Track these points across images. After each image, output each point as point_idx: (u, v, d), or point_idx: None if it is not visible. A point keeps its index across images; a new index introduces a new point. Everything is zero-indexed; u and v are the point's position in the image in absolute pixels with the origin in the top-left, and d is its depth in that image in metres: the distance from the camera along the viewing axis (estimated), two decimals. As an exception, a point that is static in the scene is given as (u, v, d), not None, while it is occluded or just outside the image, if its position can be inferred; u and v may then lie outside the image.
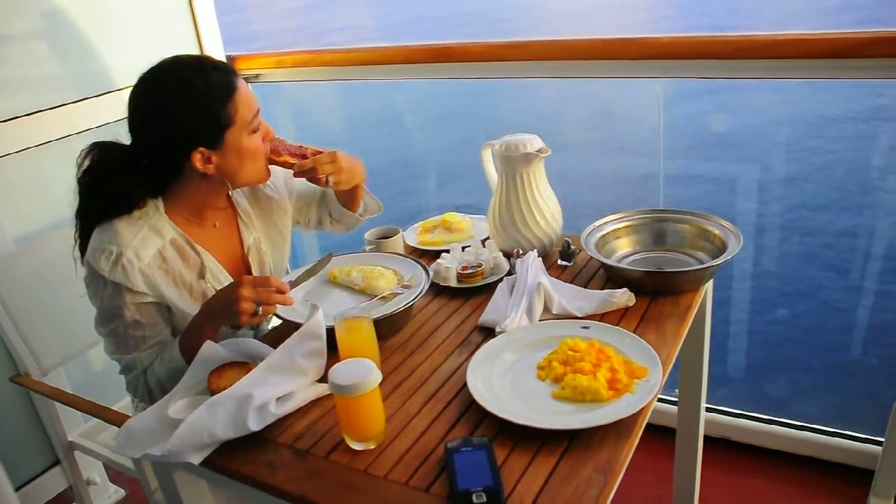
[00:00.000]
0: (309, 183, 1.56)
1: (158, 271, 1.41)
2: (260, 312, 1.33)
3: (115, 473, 2.41)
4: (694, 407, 1.82)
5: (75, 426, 2.01)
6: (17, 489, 2.32)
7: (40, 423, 2.32)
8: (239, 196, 1.60)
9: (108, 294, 1.39)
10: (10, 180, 2.12)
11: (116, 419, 1.67)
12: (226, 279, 1.52)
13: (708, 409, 2.18)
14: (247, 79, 2.78)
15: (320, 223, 1.82)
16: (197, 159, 1.37)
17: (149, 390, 1.45)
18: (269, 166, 1.50)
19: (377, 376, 1.09)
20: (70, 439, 1.96)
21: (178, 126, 1.36)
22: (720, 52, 1.93)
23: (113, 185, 1.40)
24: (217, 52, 2.70)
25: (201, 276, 1.49)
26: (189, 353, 1.37)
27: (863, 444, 2.09)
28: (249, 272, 1.60)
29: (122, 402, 1.94)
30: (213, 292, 1.45)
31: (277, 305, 1.39)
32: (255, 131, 1.42)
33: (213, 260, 1.51)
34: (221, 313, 1.36)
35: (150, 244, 1.40)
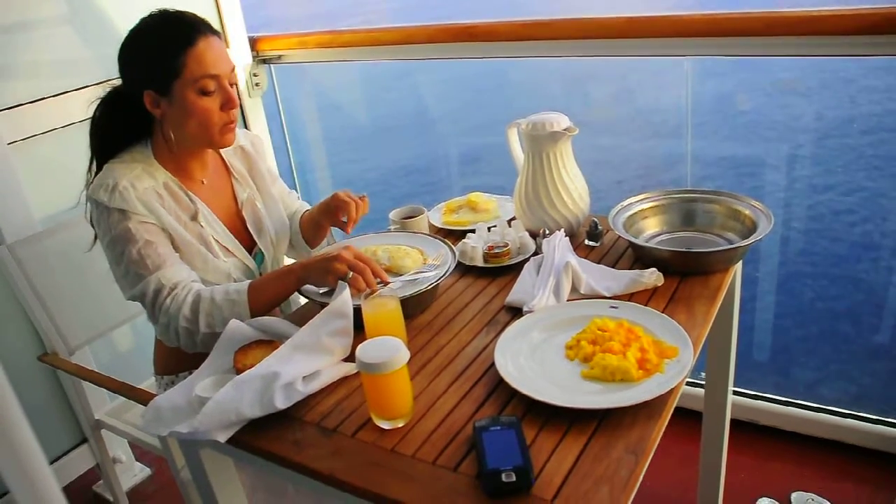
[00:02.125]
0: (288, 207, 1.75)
1: (156, 202, 1.47)
2: (349, 278, 1.35)
3: (140, 452, 2.44)
4: (721, 389, 1.80)
5: (102, 405, 2.03)
6: (46, 467, 2.35)
7: (67, 402, 2.34)
8: (233, 158, 1.67)
9: (114, 222, 1.44)
10: (37, 161, 2.13)
11: (143, 397, 1.68)
12: (221, 229, 1.58)
13: (735, 392, 2.16)
14: (268, 60, 2.78)
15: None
16: (147, 100, 1.44)
17: (194, 310, 1.41)
18: None
19: (405, 354, 1.08)
20: (97, 418, 1.97)
21: (133, 64, 1.45)
22: (750, 28, 1.89)
23: (107, 126, 1.52)
24: (240, 33, 2.70)
25: (194, 218, 1.53)
26: (256, 298, 1.40)
27: (893, 429, 2.05)
28: (245, 226, 1.64)
29: (149, 381, 1.95)
30: (209, 235, 1.54)
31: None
32: (205, 92, 1.42)
33: (205, 207, 1.56)
34: (315, 264, 1.40)
35: (144, 180, 1.47)
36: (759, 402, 2.23)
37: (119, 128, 1.53)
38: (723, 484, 1.93)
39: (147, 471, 2.44)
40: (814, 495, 1.94)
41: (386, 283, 1.39)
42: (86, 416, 1.98)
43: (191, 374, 1.66)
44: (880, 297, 2.39)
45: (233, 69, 1.47)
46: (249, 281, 1.44)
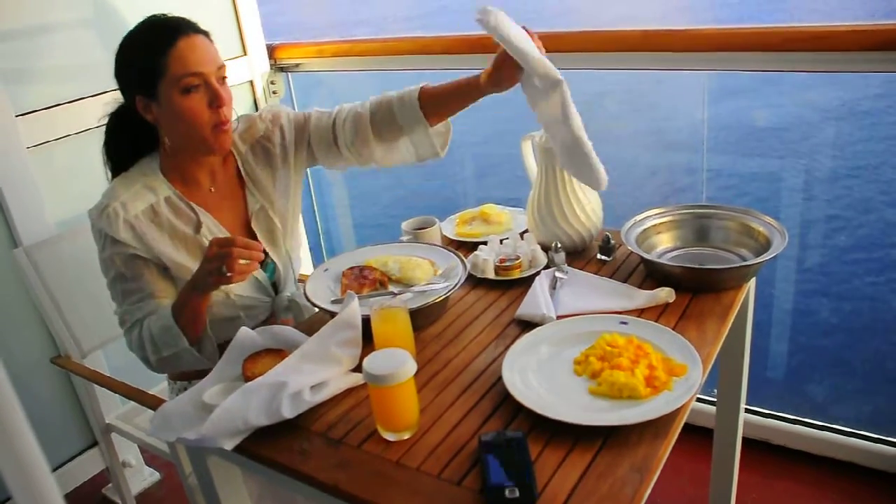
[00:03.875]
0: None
1: (149, 225, 1.47)
2: (226, 272, 1.29)
3: (150, 457, 2.45)
4: (733, 407, 1.78)
5: (113, 409, 2.04)
6: (55, 469, 2.37)
7: (79, 405, 2.36)
8: (249, 156, 1.64)
9: (102, 246, 1.48)
10: (53, 166, 2.16)
11: (153, 402, 1.68)
12: None
13: (747, 410, 2.14)
14: (286, 68, 2.80)
15: (361, 151, 1.67)
16: (139, 106, 1.45)
17: (140, 344, 1.47)
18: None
19: (412, 367, 1.08)
20: (107, 421, 1.99)
21: (122, 71, 1.46)
22: (767, 44, 1.88)
23: (118, 141, 1.55)
24: (258, 41, 2.72)
25: (196, 230, 1.52)
26: (178, 316, 1.41)
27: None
28: (255, 239, 1.59)
29: (159, 387, 1.96)
30: None
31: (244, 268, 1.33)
32: (189, 90, 1.41)
33: (210, 218, 1.55)
34: (197, 277, 1.38)
35: (141, 199, 1.48)
36: (771, 420, 2.20)
37: (128, 141, 1.55)
38: (734, 503, 1.91)
39: (156, 475, 2.45)
40: (825, 516, 1.91)
41: (259, 252, 1.32)
42: (97, 420, 1.99)
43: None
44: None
45: (220, 67, 1.45)
46: (167, 307, 1.44)
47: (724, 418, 1.82)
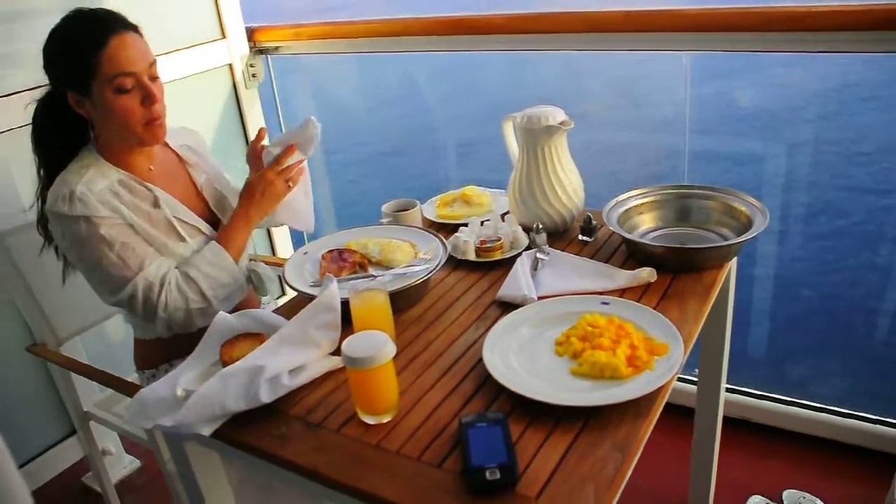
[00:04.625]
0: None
1: (114, 200, 1.47)
2: (291, 186, 1.59)
3: (129, 444, 2.42)
4: (714, 386, 1.79)
5: (91, 396, 2.01)
6: (34, 458, 2.35)
7: (57, 393, 2.33)
8: (187, 151, 1.69)
9: (82, 230, 1.44)
10: (26, 150, 2.11)
11: (131, 390, 1.66)
12: (184, 211, 1.58)
13: (727, 390, 2.15)
14: (265, 51, 2.76)
15: None
16: (72, 101, 1.45)
17: (185, 296, 1.49)
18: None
19: (391, 349, 1.06)
20: (85, 409, 1.96)
21: (52, 65, 1.45)
22: (749, 24, 1.87)
23: (50, 131, 1.53)
24: (237, 23, 2.67)
25: (156, 205, 1.54)
26: (237, 253, 1.57)
27: (887, 428, 2.04)
28: (209, 208, 1.67)
29: (136, 375, 1.93)
30: (175, 220, 1.54)
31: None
32: (122, 90, 1.41)
33: (163, 192, 1.56)
34: (267, 204, 1.58)
35: (97, 181, 1.47)
36: (751, 399, 2.22)
37: (61, 131, 1.53)
38: (714, 481, 1.92)
39: (136, 463, 2.43)
40: (805, 493, 1.93)
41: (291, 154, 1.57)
42: (74, 408, 1.96)
43: (171, 365, 1.68)
44: (875, 296, 2.38)
45: (152, 64, 1.46)
46: (212, 241, 1.55)
47: (705, 397, 1.82)
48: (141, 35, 1.46)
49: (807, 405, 2.15)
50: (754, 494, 1.96)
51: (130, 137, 1.49)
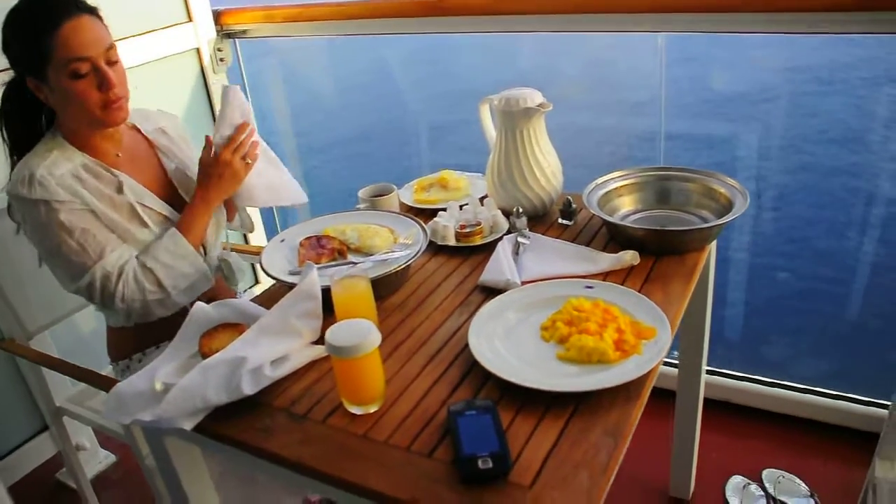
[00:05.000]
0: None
1: (76, 184, 1.44)
2: (249, 161, 1.55)
3: (104, 438, 2.38)
4: (695, 369, 1.80)
5: (63, 391, 1.96)
6: (5, 455, 2.30)
7: (26, 388, 2.27)
8: (157, 135, 1.66)
9: (41, 215, 1.41)
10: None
11: (105, 384, 1.62)
12: (150, 197, 1.55)
13: (708, 372, 2.16)
14: (233, 34, 2.70)
15: None
16: (31, 85, 1.42)
17: (142, 286, 1.46)
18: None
19: (376, 337, 1.04)
20: (58, 405, 1.91)
21: (8, 49, 1.41)
22: (724, 5, 1.86)
23: (16, 115, 1.50)
24: (203, 6, 2.61)
25: (119, 190, 1.50)
26: (197, 240, 1.54)
27: (866, 407, 2.07)
28: (178, 195, 1.63)
29: (110, 368, 1.89)
30: (139, 206, 1.51)
31: None
32: (77, 75, 1.38)
33: (130, 178, 1.53)
34: (227, 185, 1.54)
35: (60, 165, 1.44)
36: (731, 380, 2.23)
37: (27, 115, 1.50)
38: (695, 462, 1.94)
39: (112, 457, 2.38)
40: (784, 472, 1.95)
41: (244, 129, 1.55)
42: (46, 404, 1.92)
43: (144, 354, 1.65)
44: (850, 276, 2.41)
45: (109, 48, 1.42)
46: (172, 229, 1.52)
47: (686, 379, 1.83)
48: (98, 17, 1.42)
49: (785, 385, 2.17)
50: (735, 474, 1.97)
51: (90, 121, 1.45)
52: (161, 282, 1.47)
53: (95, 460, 2.35)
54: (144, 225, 1.51)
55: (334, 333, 1.04)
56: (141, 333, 1.62)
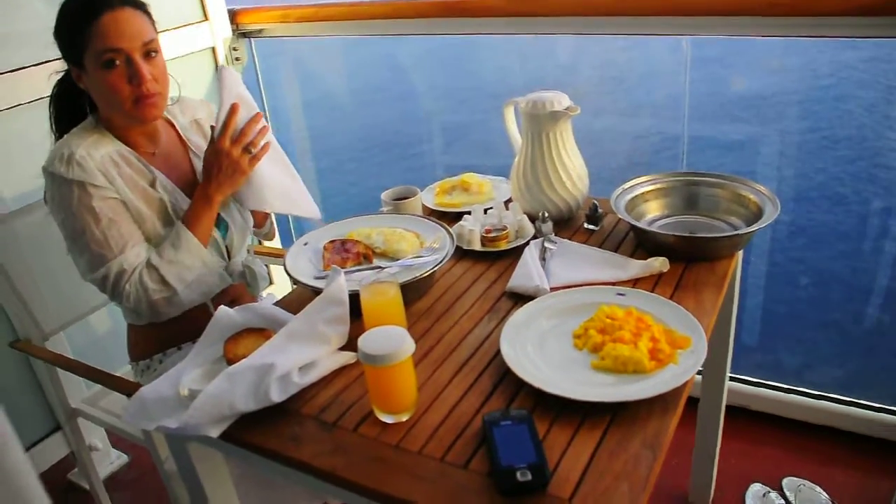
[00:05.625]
0: None
1: (113, 169, 1.44)
2: (253, 152, 1.47)
3: (116, 439, 2.36)
4: (718, 375, 1.77)
5: (78, 392, 1.94)
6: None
7: (41, 389, 2.26)
8: (189, 132, 1.64)
9: (73, 196, 1.40)
10: (8, 137, 2.02)
11: (121, 385, 1.60)
12: (181, 196, 1.54)
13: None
14: (248, 34, 2.68)
15: None
16: (73, 74, 1.44)
17: (153, 286, 1.44)
18: None
19: (410, 345, 1.02)
20: (73, 406, 1.89)
21: (56, 39, 1.42)
22: (750, 8, 1.84)
23: (63, 102, 1.53)
24: (219, 5, 2.59)
25: (152, 185, 1.50)
26: (203, 235, 1.48)
27: (888, 416, 2.04)
28: None
29: (126, 369, 1.87)
30: (168, 203, 1.51)
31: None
32: (108, 66, 1.38)
33: (162, 175, 1.53)
34: (228, 180, 1.47)
35: (100, 147, 1.45)
36: (751, 387, 2.20)
37: (75, 101, 1.50)
38: (716, 470, 1.91)
39: (124, 458, 2.36)
40: (805, 481, 1.92)
41: (257, 120, 1.49)
42: (61, 404, 1.89)
43: (165, 355, 1.63)
44: (874, 283, 2.38)
45: (149, 41, 1.41)
46: (177, 223, 1.48)
47: (710, 386, 1.81)
48: (144, 12, 1.42)
49: (806, 393, 2.14)
50: (754, 482, 1.95)
51: (122, 114, 1.44)
52: (164, 278, 1.44)
53: (108, 461, 2.33)
54: (171, 223, 1.50)
55: (367, 341, 1.02)
56: (163, 334, 1.61)
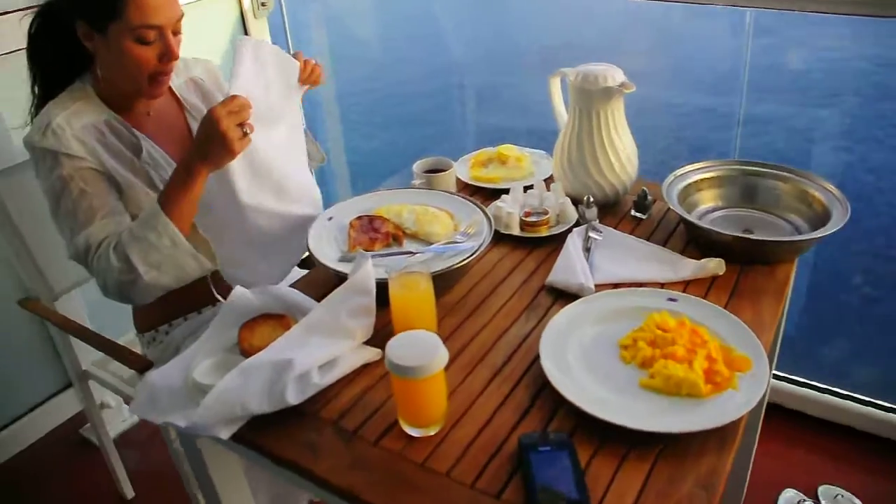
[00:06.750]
0: None
1: (96, 141, 1.37)
2: (248, 132, 1.24)
3: (129, 398, 2.30)
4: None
5: (89, 354, 1.87)
6: (33, 409, 2.27)
7: (53, 345, 2.21)
8: (185, 92, 1.57)
9: (48, 167, 1.34)
10: (18, 81, 1.92)
11: (127, 356, 1.54)
12: (168, 165, 1.45)
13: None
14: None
15: None
16: (80, 30, 1.34)
17: (120, 265, 1.26)
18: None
19: (443, 356, 0.92)
20: (84, 368, 1.83)
21: None
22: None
23: (46, 52, 1.41)
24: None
25: (137, 154, 1.43)
26: (172, 214, 1.25)
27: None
28: None
29: (126, 337, 1.80)
30: (155, 173, 1.42)
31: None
32: (143, 41, 1.32)
33: (151, 143, 1.45)
34: (214, 153, 1.23)
35: (82, 116, 1.37)
36: (790, 385, 2.10)
37: (62, 53, 1.40)
38: (750, 472, 1.82)
39: (136, 417, 2.31)
40: (843, 490, 1.83)
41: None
42: (73, 366, 1.83)
43: (171, 326, 1.55)
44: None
45: (179, 18, 1.36)
46: (161, 204, 1.27)
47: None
48: None
49: (851, 396, 2.03)
50: (789, 488, 1.86)
51: (131, 87, 1.39)
52: (129, 256, 1.25)
53: (120, 418, 2.28)
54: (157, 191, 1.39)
55: (395, 349, 0.92)
56: (167, 304, 1.50)
